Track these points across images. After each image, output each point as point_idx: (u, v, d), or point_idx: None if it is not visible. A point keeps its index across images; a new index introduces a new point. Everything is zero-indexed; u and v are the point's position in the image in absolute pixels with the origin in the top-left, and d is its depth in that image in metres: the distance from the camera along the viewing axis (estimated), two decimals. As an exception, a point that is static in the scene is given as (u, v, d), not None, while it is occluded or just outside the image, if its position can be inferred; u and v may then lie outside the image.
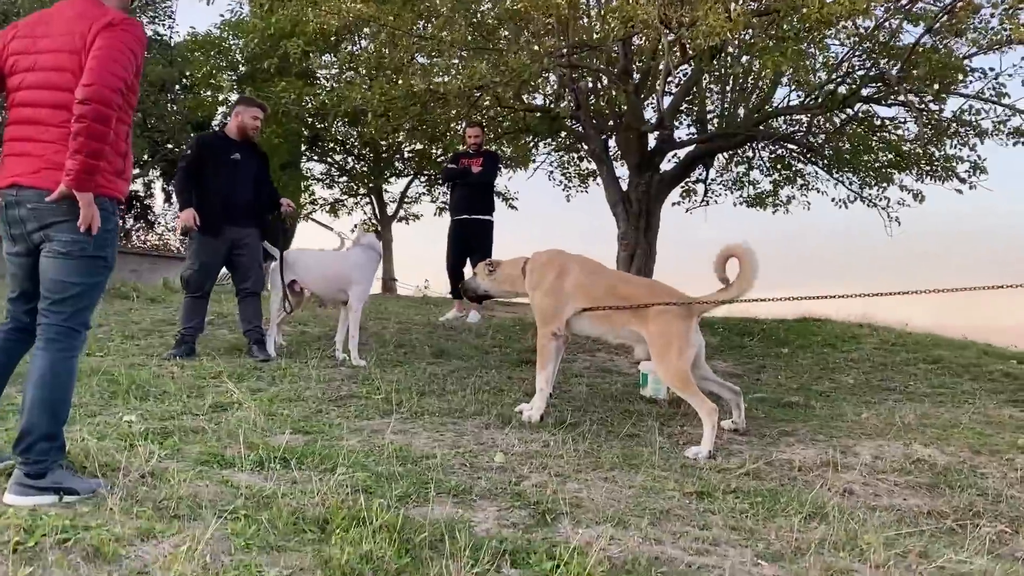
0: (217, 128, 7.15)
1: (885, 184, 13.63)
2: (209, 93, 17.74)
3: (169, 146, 21.48)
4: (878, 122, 11.99)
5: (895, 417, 5.19)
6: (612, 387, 5.96)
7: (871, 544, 3.10)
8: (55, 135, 2.90)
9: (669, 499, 3.46)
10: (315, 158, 21.78)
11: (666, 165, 13.19)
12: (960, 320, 9.75)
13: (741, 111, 12.58)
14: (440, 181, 18.23)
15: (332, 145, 20.94)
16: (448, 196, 9.92)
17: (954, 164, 12.36)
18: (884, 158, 12.85)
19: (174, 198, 27.58)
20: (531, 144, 16.01)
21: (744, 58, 10.93)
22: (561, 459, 3.95)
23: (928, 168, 12.67)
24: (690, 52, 8.98)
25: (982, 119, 10.04)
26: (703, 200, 15.37)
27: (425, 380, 5.67)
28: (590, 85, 12.52)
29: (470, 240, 8.55)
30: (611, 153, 13.07)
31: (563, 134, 14.56)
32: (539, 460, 3.91)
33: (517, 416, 4.81)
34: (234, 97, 18.49)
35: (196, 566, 2.21)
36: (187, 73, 20.83)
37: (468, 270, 8.82)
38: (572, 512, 3.17)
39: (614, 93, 12.24)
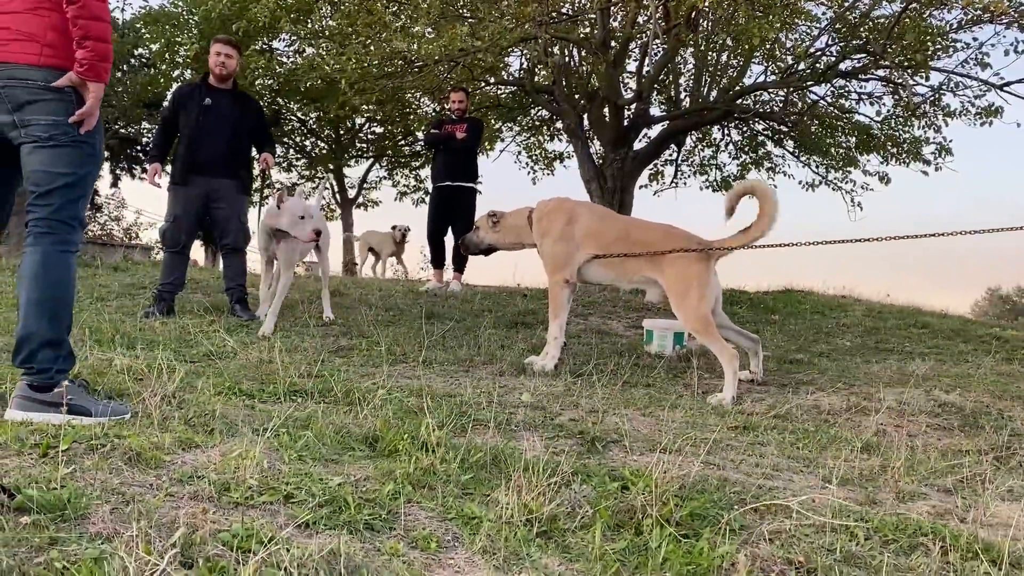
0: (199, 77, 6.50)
1: (850, 168, 13.76)
2: (164, 67, 17.09)
3: (119, 125, 20.76)
4: (853, 98, 12.05)
5: (908, 369, 5.12)
6: (615, 345, 5.80)
7: (934, 470, 3.00)
8: (21, 4, 2.55)
9: (714, 431, 3.30)
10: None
11: (639, 145, 13.11)
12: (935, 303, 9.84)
13: (715, 92, 12.56)
14: (422, 146, 17.81)
15: (293, 124, 20.42)
16: (431, 164, 9.61)
17: (921, 146, 12.51)
18: (851, 140, 12.95)
19: (121, 182, 26.76)
20: (498, 126, 15.79)
21: (721, 36, 10.89)
22: (590, 399, 3.77)
23: (895, 150, 12.80)
24: (673, 20, 8.85)
25: (960, 92, 10.11)
26: (672, 182, 15.34)
27: (423, 336, 5.43)
28: (566, 60, 12.36)
29: (453, 208, 8.30)
30: (585, 131, 12.92)
31: (533, 113, 14.38)
32: (568, 400, 3.73)
33: (529, 367, 4.61)
34: (190, 74, 17.92)
35: (254, 470, 1.96)
36: (138, 51, 20.15)
37: (450, 239, 8.58)
38: (621, 441, 2.99)
39: (587, 69, 12.10)
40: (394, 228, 12.31)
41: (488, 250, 5.35)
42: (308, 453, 2.27)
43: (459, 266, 8.61)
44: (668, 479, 2.44)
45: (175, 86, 7.28)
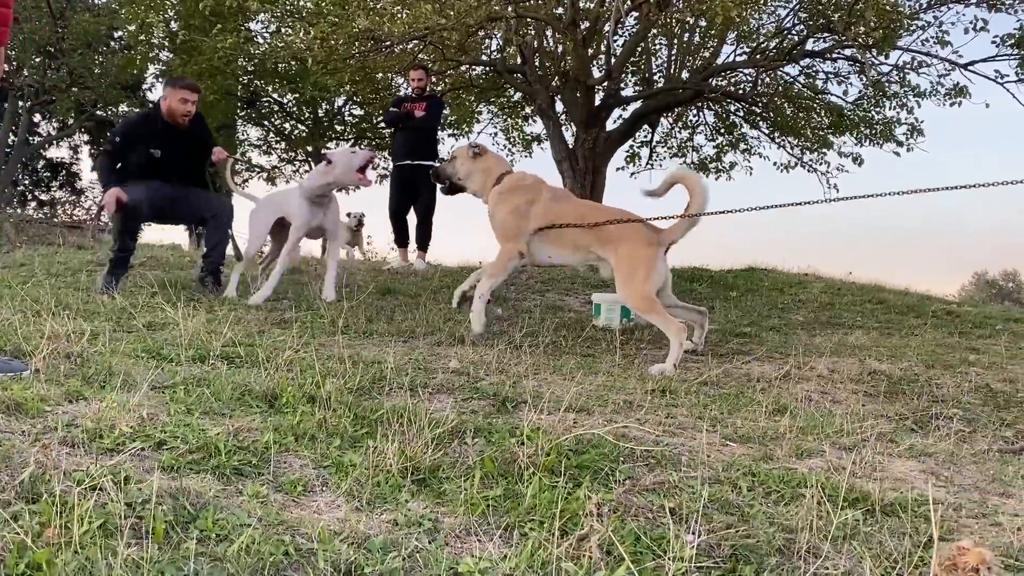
0: (152, 107, 6.10)
1: (825, 150, 13.83)
2: (141, 48, 16.98)
3: (96, 107, 20.65)
4: (822, 79, 12.11)
5: (848, 340, 5.19)
6: (564, 318, 5.85)
7: (840, 431, 3.05)
8: None
9: (631, 394, 3.35)
10: (251, 122, 21.12)
11: (612, 125, 13.14)
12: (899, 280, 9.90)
13: (686, 73, 12.58)
14: (383, 125, 17.76)
15: (270, 106, 20.34)
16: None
17: (893, 127, 12.59)
18: (825, 119, 13.01)
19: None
20: (474, 106, 15.78)
21: (686, 14, 10.90)
22: (518, 366, 3.81)
23: (868, 131, 12.87)
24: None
25: (922, 71, 10.17)
26: (648, 164, 15.37)
27: (372, 310, 5.46)
28: (536, 40, 12.35)
29: (414, 187, 8.30)
30: (557, 111, 12.93)
31: (508, 92, 14.37)
32: (495, 365, 3.78)
33: (467, 330, 4.65)
34: (165, 55, 17.84)
35: (132, 419, 2.00)
36: (116, 32, 20.02)
37: (412, 217, 8.59)
38: (533, 402, 3.03)
39: (560, 49, 12.09)
40: (349, 216, 12.07)
41: (452, 187, 5.23)
42: (199, 407, 2.30)
43: (423, 244, 8.63)
44: (564, 433, 2.49)
45: (124, 119, 6.76)
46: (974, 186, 4.01)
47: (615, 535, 1.80)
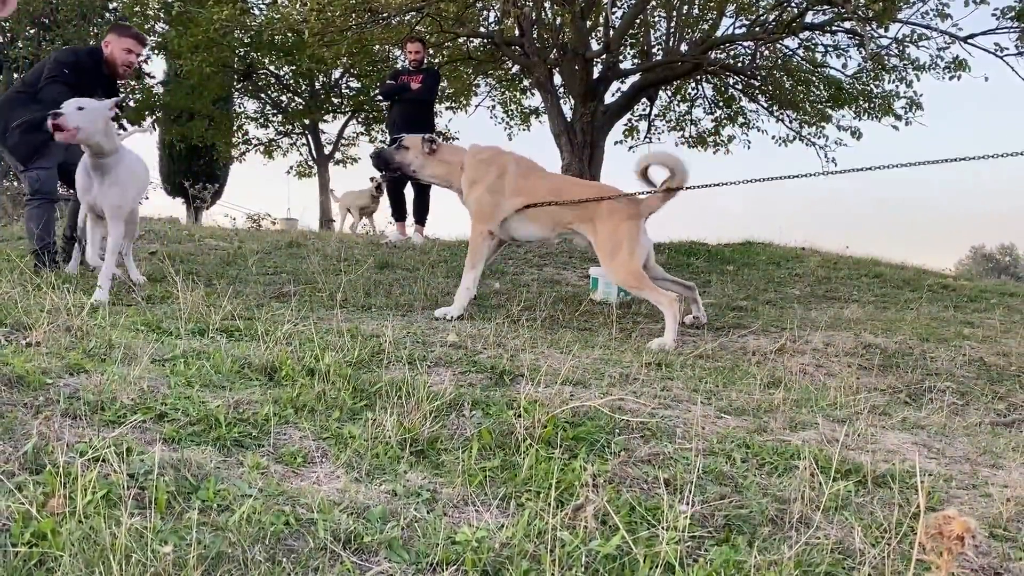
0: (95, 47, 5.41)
1: (823, 123, 13.78)
2: (135, 20, 16.84)
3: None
4: (821, 52, 12.05)
5: (843, 314, 5.22)
6: (561, 292, 5.87)
7: (833, 403, 3.09)
8: None
9: (627, 367, 3.38)
10: (247, 94, 20.99)
11: (610, 99, 13.08)
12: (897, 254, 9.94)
13: (684, 45, 12.50)
14: (379, 97, 17.65)
15: (267, 79, 20.20)
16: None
17: (892, 100, 12.55)
18: (824, 93, 12.96)
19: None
20: (471, 78, 15.68)
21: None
22: (516, 340, 3.84)
23: (866, 105, 12.83)
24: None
25: (922, 43, 10.12)
26: (646, 137, 15.32)
27: (371, 284, 5.48)
28: (534, 15, 12.26)
29: (411, 159, 8.26)
30: (555, 84, 12.86)
31: (506, 65, 14.29)
32: (493, 339, 3.79)
33: (443, 317, 4.60)
34: (160, 26, 17.68)
35: (133, 392, 2.02)
36: (111, 4, 19.83)
37: (409, 191, 8.58)
38: (530, 375, 3.06)
39: (558, 21, 12.02)
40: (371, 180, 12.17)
41: (406, 175, 5.16)
42: (199, 379, 2.32)
43: (420, 218, 8.63)
44: (560, 406, 2.52)
45: (66, 48, 6.14)
46: (972, 158, 4.02)
47: (610, 505, 1.83)
